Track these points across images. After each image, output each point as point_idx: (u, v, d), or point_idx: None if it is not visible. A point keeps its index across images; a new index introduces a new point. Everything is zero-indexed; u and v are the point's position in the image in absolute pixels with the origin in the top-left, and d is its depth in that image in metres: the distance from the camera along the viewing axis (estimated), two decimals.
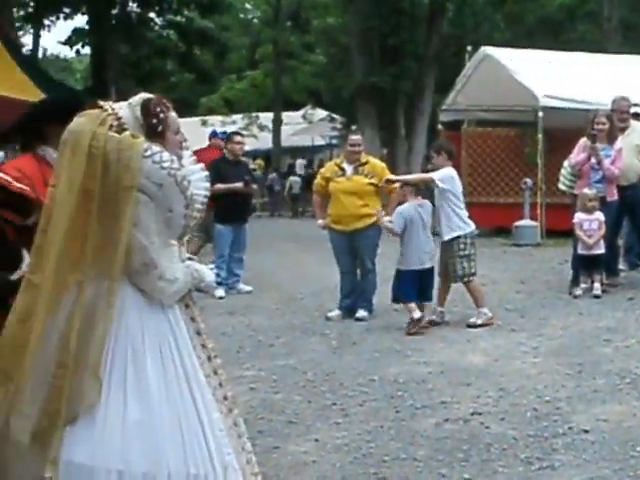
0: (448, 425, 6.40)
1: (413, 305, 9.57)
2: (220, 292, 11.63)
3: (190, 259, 4.55)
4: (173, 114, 4.39)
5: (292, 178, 30.67)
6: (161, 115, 4.31)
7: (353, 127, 11.32)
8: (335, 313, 10.34)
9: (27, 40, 29.59)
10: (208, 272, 4.54)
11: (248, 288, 12.33)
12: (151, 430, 4.07)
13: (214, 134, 14.30)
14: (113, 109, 4.27)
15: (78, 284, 4.13)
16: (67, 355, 4.03)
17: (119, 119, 4.23)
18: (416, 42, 23.21)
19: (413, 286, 9.60)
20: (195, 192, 4.30)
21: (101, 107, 4.30)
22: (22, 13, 27.35)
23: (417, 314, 9.46)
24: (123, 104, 4.34)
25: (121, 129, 4.20)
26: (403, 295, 9.67)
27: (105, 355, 4.07)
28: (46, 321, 4.07)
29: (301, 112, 38.20)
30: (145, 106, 4.30)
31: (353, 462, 5.76)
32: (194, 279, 4.42)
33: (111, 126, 4.18)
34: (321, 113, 37.17)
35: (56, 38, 32.29)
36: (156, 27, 22.90)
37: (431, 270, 9.77)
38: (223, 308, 10.80)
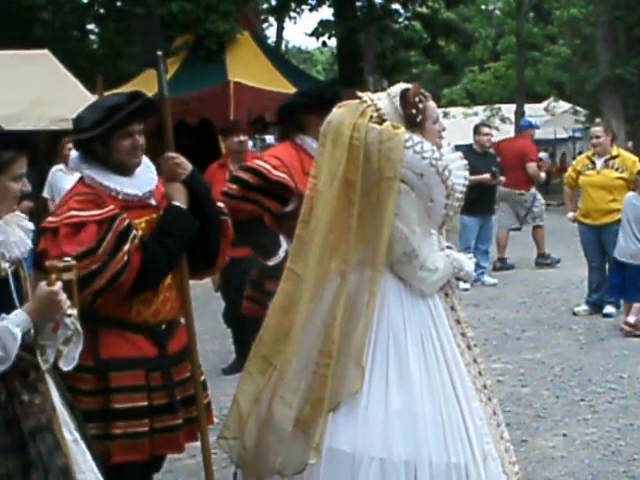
0: None
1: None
2: (466, 284, 11.59)
3: (449, 248, 4.54)
4: (431, 103, 4.39)
5: None
6: (420, 105, 4.30)
7: (597, 120, 11.00)
8: (582, 308, 10.10)
9: (271, 32, 30.46)
10: (467, 261, 4.51)
11: (493, 280, 12.22)
12: (413, 419, 4.08)
13: (528, 125, 14.32)
14: (372, 100, 4.30)
15: (341, 273, 4.18)
16: (331, 344, 4.09)
17: (378, 110, 4.26)
18: None
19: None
20: (455, 181, 4.28)
21: (359, 98, 4.35)
22: (266, 6, 28.14)
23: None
24: (382, 95, 4.37)
25: (381, 120, 4.22)
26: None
27: (367, 344, 4.11)
28: (308, 310, 4.15)
29: (543, 104, 37.49)
30: (404, 96, 4.30)
31: (602, 459, 5.65)
32: (454, 268, 4.41)
33: (371, 117, 4.21)
34: (564, 105, 36.32)
35: (299, 30, 32.85)
36: (401, 19, 23.01)
37: None
38: (468, 300, 10.72)
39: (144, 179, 4.29)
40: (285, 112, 5.38)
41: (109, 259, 3.95)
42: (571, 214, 10.34)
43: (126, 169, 4.21)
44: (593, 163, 9.94)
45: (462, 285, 11.38)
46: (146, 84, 11.85)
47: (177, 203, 4.24)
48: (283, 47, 33.73)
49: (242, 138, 8.07)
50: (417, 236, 4.20)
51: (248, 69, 16.93)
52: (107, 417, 4.10)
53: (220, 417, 5.27)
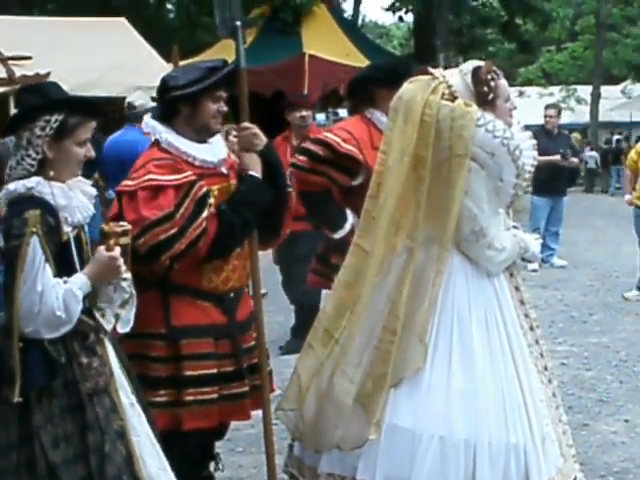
0: None
1: None
2: (533, 265, 11.49)
3: (515, 227, 4.49)
4: (503, 81, 4.33)
5: (588, 153, 29.76)
6: (492, 83, 4.25)
7: None
8: (633, 293, 9.97)
9: (347, 6, 30.31)
10: (534, 242, 4.48)
11: (562, 262, 12.11)
12: (474, 398, 4.06)
13: None
14: (444, 77, 4.26)
15: (408, 250, 4.15)
16: (396, 321, 4.08)
17: (450, 87, 4.21)
18: None
19: None
20: (525, 161, 4.23)
21: (431, 74, 4.31)
22: None
23: None
24: (454, 71, 4.32)
25: (453, 97, 4.17)
26: None
27: (432, 321, 4.10)
28: (373, 285, 4.14)
29: (620, 87, 36.94)
30: (476, 74, 4.25)
31: None
32: (520, 248, 4.37)
33: (443, 94, 4.16)
34: None
35: (376, 4, 32.57)
36: None
37: None
38: (536, 281, 10.66)
39: (218, 147, 4.32)
40: (356, 85, 5.38)
41: (188, 225, 3.99)
42: (627, 196, 10.20)
43: (207, 133, 4.24)
44: None
45: (530, 266, 11.33)
46: (221, 54, 11.86)
47: (254, 173, 4.26)
48: (360, 21, 33.53)
49: (304, 113, 8.07)
50: (485, 215, 4.17)
51: (324, 42, 16.87)
52: (178, 384, 4.14)
53: (282, 388, 5.30)
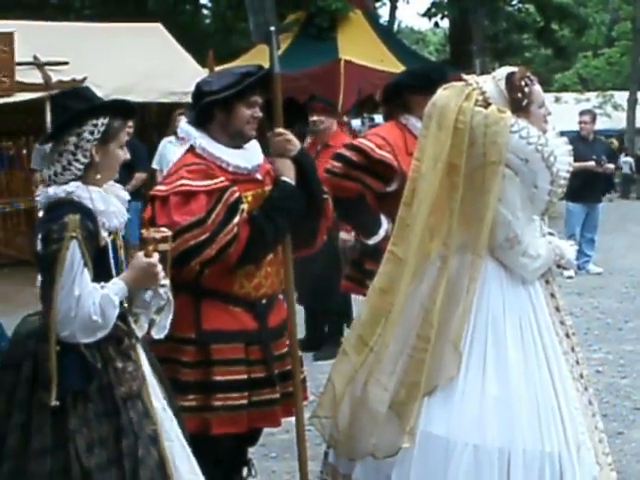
0: None
1: None
2: (569, 272, 11.44)
3: (551, 234, 4.46)
4: (537, 87, 4.31)
5: (623, 159, 29.53)
6: (526, 89, 4.24)
7: None
8: None
9: (383, 12, 30.24)
10: (569, 248, 4.45)
11: (598, 269, 12.05)
12: (508, 406, 4.04)
13: None
14: (477, 83, 4.25)
15: (442, 258, 4.15)
16: (430, 329, 4.07)
17: (484, 93, 4.20)
18: None
19: None
20: (560, 167, 4.21)
21: (465, 81, 4.30)
22: None
23: None
24: (487, 78, 4.31)
25: (486, 103, 4.16)
26: None
27: (466, 329, 4.09)
28: (408, 293, 4.14)
29: None
30: (510, 80, 4.24)
31: None
32: (555, 255, 4.35)
33: (476, 100, 4.16)
34: None
35: (412, 10, 32.57)
36: (514, 1, 22.72)
37: None
38: (571, 288, 10.63)
39: (253, 153, 4.33)
40: (391, 91, 5.37)
41: (218, 230, 4.00)
42: None
43: (242, 139, 4.25)
44: None
45: (566, 273, 11.31)
46: (257, 60, 11.91)
47: (286, 179, 4.26)
48: (395, 27, 33.48)
49: (314, 118, 8.04)
50: (520, 222, 4.15)
51: (359, 48, 16.84)
52: (207, 389, 4.15)
53: (316, 394, 5.30)
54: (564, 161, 4.28)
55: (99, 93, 3.66)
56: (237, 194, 4.10)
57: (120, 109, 3.51)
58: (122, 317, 3.45)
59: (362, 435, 4.16)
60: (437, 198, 4.14)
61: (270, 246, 4.25)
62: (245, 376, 4.20)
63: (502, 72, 4.31)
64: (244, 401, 4.19)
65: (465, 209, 4.13)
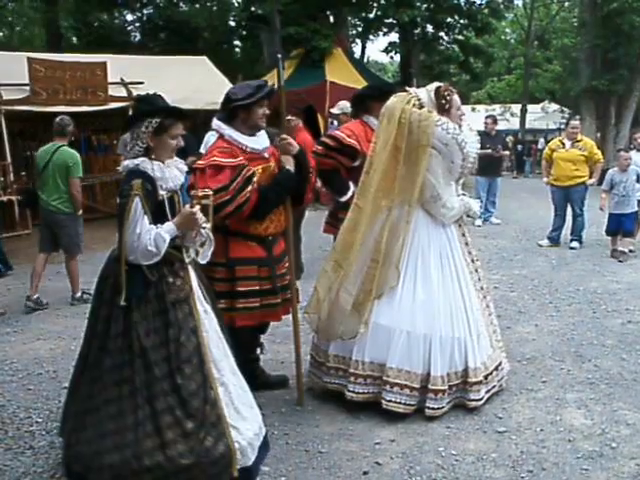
0: (630, 325, 5.99)
1: (613, 239, 9.01)
2: (478, 222, 11.47)
3: (463, 194, 4.47)
4: (456, 96, 4.30)
5: (519, 147, 29.32)
6: (448, 97, 4.23)
7: (577, 117, 10.60)
8: (544, 242, 9.87)
9: (357, 49, 29.87)
10: (475, 204, 4.46)
11: (497, 221, 11.98)
12: (430, 306, 4.08)
13: None
14: (415, 93, 4.25)
15: (388, 208, 4.16)
16: (379, 254, 4.10)
17: (419, 100, 4.20)
18: (630, 55, 21.29)
19: (616, 225, 8.96)
20: (469, 150, 4.21)
21: (407, 91, 4.29)
22: (354, 32, 27.78)
23: (615, 245, 8.89)
24: (422, 89, 4.30)
25: (421, 106, 4.16)
26: (608, 231, 9.12)
27: (403, 255, 4.10)
28: (365, 232, 4.14)
29: (540, 105, 36.60)
30: (437, 91, 4.24)
31: (560, 343, 5.55)
32: (465, 208, 4.36)
33: (414, 104, 4.16)
34: (555, 106, 35.39)
35: (376, 48, 32.15)
36: (443, 42, 22.44)
37: (632, 214, 8.99)
38: (480, 233, 10.57)
39: (263, 139, 4.26)
40: (357, 100, 5.33)
41: (236, 194, 3.94)
42: (545, 179, 10.08)
43: (256, 129, 4.15)
44: (563, 144, 9.68)
45: (476, 222, 11.27)
46: (270, 81, 11.80)
47: (288, 167, 4.22)
48: (365, 59, 33.09)
49: (288, 117, 7.74)
50: (441, 185, 4.17)
51: (340, 73, 16.62)
52: (232, 296, 4.12)
53: (306, 300, 5.32)
54: (473, 146, 4.29)
55: None
56: (252, 170, 4.02)
57: (171, 112, 3.42)
58: (176, 247, 3.40)
59: (335, 325, 4.20)
60: (386, 169, 4.13)
61: (271, 207, 4.17)
62: (258, 287, 4.15)
63: (432, 86, 4.30)
64: (257, 304, 4.15)
65: (405, 176, 4.13)
